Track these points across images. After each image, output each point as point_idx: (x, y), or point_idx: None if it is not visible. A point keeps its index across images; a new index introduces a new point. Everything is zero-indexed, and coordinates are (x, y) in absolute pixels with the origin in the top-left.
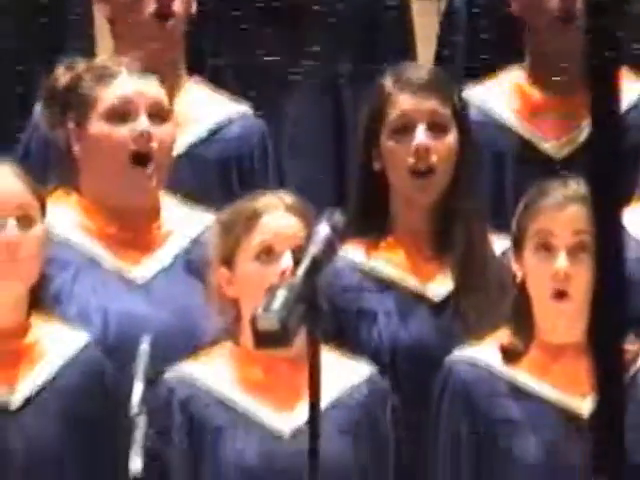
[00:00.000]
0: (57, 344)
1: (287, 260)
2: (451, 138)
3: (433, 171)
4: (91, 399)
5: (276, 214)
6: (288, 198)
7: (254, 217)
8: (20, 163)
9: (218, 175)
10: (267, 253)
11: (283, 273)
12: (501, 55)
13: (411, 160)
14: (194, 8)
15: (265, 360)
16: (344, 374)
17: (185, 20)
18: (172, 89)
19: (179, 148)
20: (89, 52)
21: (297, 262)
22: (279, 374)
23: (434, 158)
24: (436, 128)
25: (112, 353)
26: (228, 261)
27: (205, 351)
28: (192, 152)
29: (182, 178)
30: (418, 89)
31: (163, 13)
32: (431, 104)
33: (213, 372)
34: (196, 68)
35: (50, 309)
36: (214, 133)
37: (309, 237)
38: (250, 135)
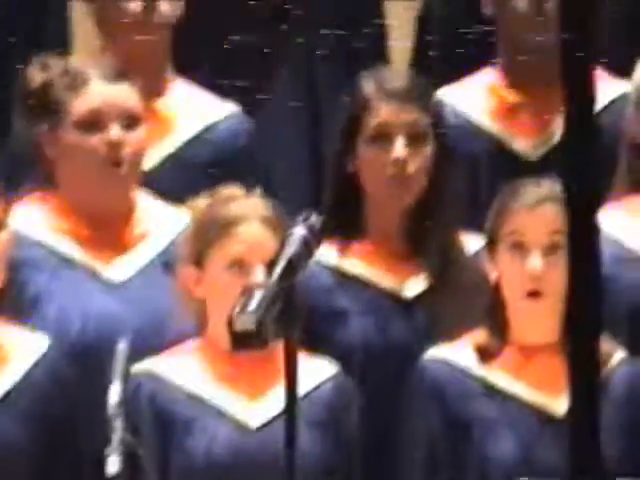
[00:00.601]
0: (20, 348)
1: (258, 274)
2: (429, 148)
3: (409, 180)
4: (55, 401)
5: (251, 225)
6: (263, 207)
7: (229, 226)
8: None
9: (205, 176)
10: (238, 264)
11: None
12: (475, 56)
13: (388, 170)
14: (181, 8)
15: (232, 354)
16: (310, 372)
17: (171, 19)
18: (158, 88)
19: (167, 149)
20: (65, 46)
21: (271, 267)
22: (247, 367)
23: (411, 168)
24: (415, 139)
25: (90, 353)
26: (198, 262)
27: (173, 348)
28: (179, 153)
29: (169, 179)
30: (398, 98)
31: (148, 11)
32: (411, 115)
33: (180, 367)
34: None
35: (28, 311)
36: (202, 134)
37: (285, 238)
38: (238, 135)
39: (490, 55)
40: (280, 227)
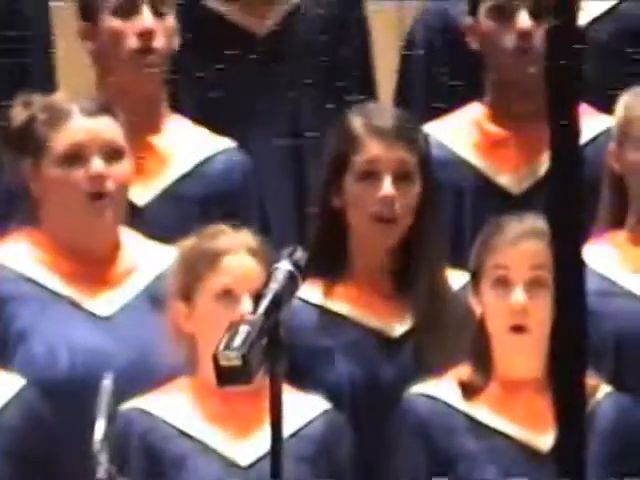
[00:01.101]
0: None
1: (247, 304)
2: (416, 187)
3: (396, 218)
4: (30, 441)
5: (238, 256)
6: (250, 239)
7: (216, 258)
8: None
9: (201, 212)
10: (227, 295)
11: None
12: (460, 91)
13: (375, 208)
14: (176, 44)
15: (222, 392)
16: (299, 409)
17: (167, 56)
18: (154, 124)
19: (162, 184)
20: (51, 84)
21: (257, 302)
22: (237, 405)
23: (398, 207)
24: (402, 178)
25: (77, 388)
26: (187, 297)
27: (164, 386)
28: (175, 189)
29: (165, 214)
30: (387, 136)
31: (144, 48)
32: (399, 153)
33: (171, 404)
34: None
35: (14, 345)
36: (197, 169)
37: (270, 273)
38: (233, 171)
39: (476, 89)
40: (266, 258)
